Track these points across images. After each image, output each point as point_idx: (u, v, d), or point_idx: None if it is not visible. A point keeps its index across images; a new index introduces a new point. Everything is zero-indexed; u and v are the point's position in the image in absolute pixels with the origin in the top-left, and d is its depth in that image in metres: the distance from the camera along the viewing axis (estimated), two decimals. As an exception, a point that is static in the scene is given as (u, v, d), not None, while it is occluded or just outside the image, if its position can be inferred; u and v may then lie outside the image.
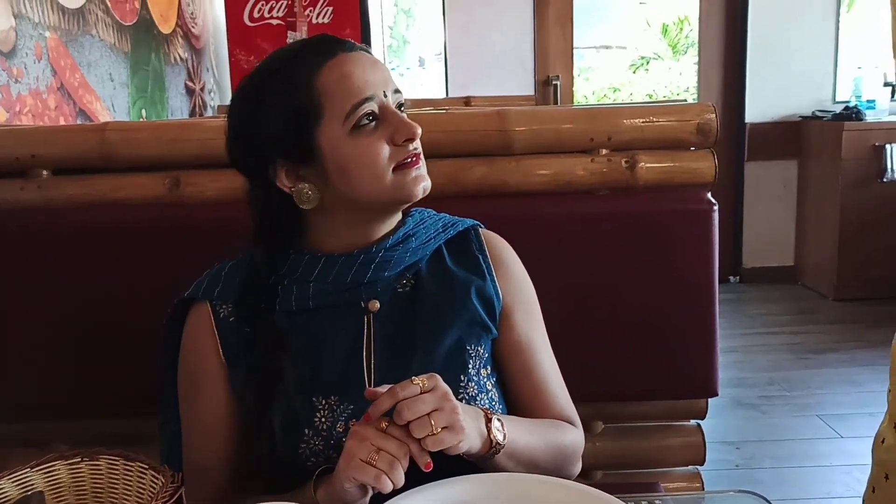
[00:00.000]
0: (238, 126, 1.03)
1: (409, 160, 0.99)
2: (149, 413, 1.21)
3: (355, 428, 0.87)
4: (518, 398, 1.09)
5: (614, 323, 1.39)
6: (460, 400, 0.98)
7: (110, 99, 2.44)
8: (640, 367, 1.39)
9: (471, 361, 1.03)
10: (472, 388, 1.02)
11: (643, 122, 1.40)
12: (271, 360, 0.98)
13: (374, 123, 0.98)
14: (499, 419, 0.95)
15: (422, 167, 1.01)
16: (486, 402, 1.03)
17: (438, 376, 0.90)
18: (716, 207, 1.37)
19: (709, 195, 1.38)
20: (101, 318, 1.35)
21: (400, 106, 1.02)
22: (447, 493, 0.86)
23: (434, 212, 1.14)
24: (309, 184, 1.00)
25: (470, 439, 0.89)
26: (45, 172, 1.39)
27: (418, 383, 0.87)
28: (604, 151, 1.40)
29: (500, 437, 0.93)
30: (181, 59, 3.23)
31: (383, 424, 0.86)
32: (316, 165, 0.99)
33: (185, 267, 1.12)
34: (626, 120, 1.40)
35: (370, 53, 1.03)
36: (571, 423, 1.12)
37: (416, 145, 1.00)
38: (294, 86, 0.98)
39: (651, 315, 1.38)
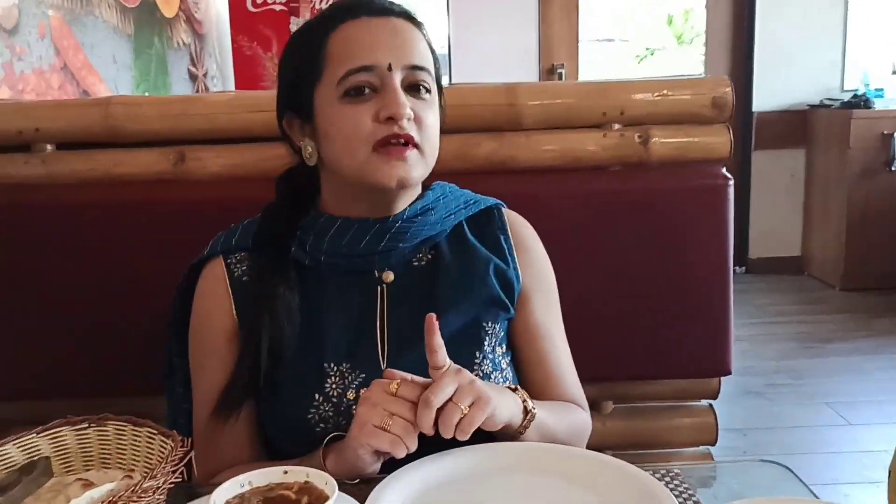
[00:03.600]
0: (277, 74, 1.06)
1: (393, 143, 0.93)
2: (151, 392, 1.19)
3: (366, 393, 0.85)
4: (529, 382, 1.07)
5: (626, 301, 1.37)
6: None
7: (113, 81, 2.41)
8: (652, 346, 1.37)
9: (487, 339, 1.01)
10: (487, 365, 1.00)
11: (657, 97, 1.37)
12: (276, 306, 0.97)
13: (368, 95, 0.94)
14: (521, 390, 0.94)
15: (409, 161, 0.94)
16: (501, 380, 1.01)
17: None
18: (731, 183, 1.34)
19: (724, 170, 1.36)
20: (103, 294, 1.33)
21: (416, 87, 0.96)
22: (465, 461, 0.85)
23: (457, 187, 1.11)
24: (312, 141, 0.99)
25: (506, 408, 0.87)
26: (49, 147, 1.37)
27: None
28: (616, 126, 1.38)
29: (530, 405, 0.92)
30: (184, 43, 3.20)
31: (393, 387, 0.83)
32: (313, 125, 0.99)
33: (189, 244, 1.10)
34: (640, 94, 1.37)
35: (406, 19, 0.98)
36: (580, 405, 1.10)
37: (405, 127, 0.93)
38: (309, 41, 0.98)
39: (664, 292, 1.36)
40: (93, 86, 2.23)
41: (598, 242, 1.36)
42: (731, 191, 1.34)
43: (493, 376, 1.00)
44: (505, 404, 0.87)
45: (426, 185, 1.07)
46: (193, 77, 3.32)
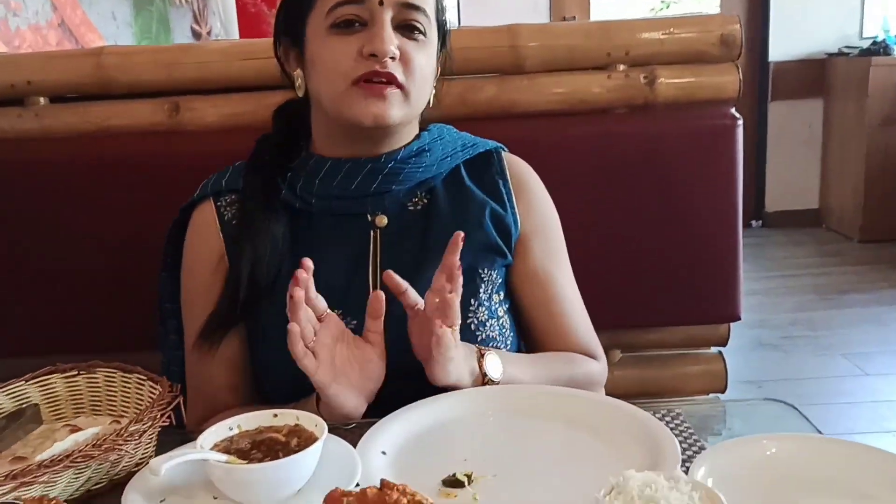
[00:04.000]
0: None
1: (373, 80, 0.90)
2: (148, 347, 1.17)
3: None
4: (534, 329, 1.05)
5: (633, 247, 1.34)
6: (469, 325, 0.95)
7: (113, 38, 2.38)
8: (659, 292, 1.34)
9: (482, 286, 0.99)
10: (483, 312, 0.98)
11: (663, 35, 1.33)
12: (258, 236, 0.96)
13: (356, 28, 0.92)
14: (497, 356, 0.92)
15: (388, 100, 0.91)
16: (497, 328, 0.99)
17: None
18: (740, 122, 1.30)
19: (732, 110, 1.32)
20: (99, 247, 1.32)
21: (409, 26, 0.93)
22: (461, 404, 0.84)
23: (454, 129, 1.08)
24: (302, 71, 0.98)
25: (455, 369, 0.86)
26: (42, 100, 1.35)
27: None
28: (621, 67, 1.33)
29: (494, 375, 0.90)
30: (186, 0, 3.16)
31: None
32: (304, 54, 0.97)
33: (185, 195, 1.08)
34: (645, 33, 1.33)
35: None
36: (592, 355, 1.07)
37: (387, 65, 0.90)
38: None
39: (672, 236, 1.33)
40: (91, 43, 2.20)
41: (604, 187, 1.32)
42: (741, 132, 1.30)
43: (488, 323, 0.98)
44: (455, 365, 0.86)
45: (422, 127, 1.03)
46: (197, 35, 3.28)
